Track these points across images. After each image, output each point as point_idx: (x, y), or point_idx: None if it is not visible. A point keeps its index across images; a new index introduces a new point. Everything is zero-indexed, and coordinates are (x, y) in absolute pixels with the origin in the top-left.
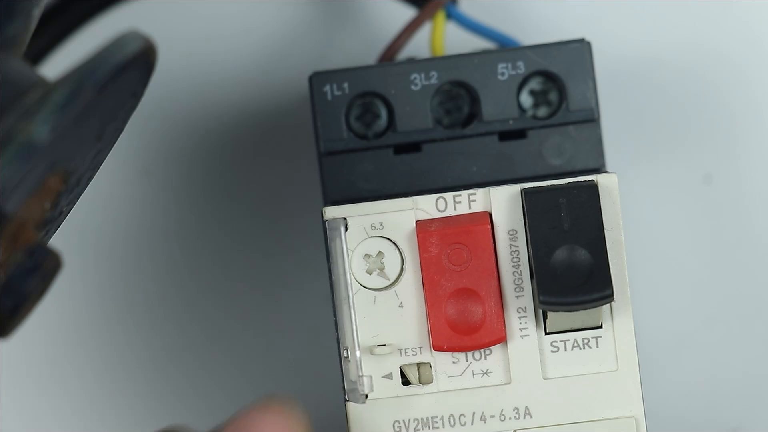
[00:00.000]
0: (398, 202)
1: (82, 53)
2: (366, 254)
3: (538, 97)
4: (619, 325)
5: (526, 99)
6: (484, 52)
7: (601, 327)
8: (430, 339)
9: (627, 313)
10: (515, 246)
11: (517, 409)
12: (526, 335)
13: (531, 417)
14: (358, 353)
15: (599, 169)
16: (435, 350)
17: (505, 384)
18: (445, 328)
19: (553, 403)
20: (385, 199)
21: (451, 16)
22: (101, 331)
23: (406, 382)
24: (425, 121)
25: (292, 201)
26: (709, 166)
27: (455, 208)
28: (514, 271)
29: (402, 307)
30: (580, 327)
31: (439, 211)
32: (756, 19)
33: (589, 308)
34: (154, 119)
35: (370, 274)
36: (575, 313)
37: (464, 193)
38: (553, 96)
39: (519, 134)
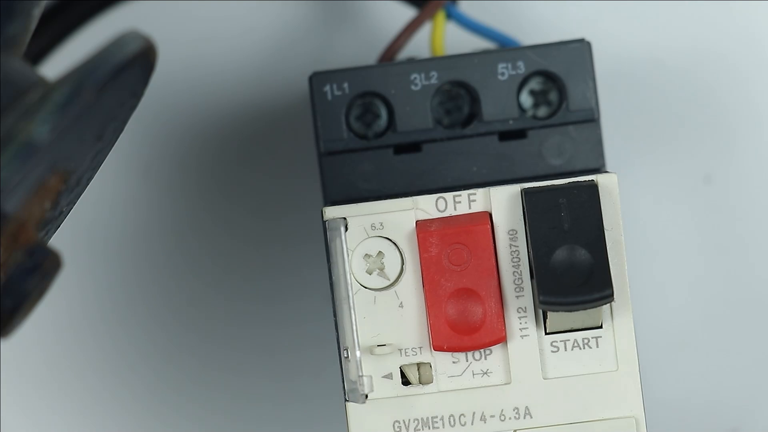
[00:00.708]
0: (398, 202)
1: (82, 53)
2: (366, 254)
3: (538, 97)
4: (619, 325)
5: (526, 99)
6: (484, 52)
7: (601, 327)
8: (430, 339)
9: (627, 313)
10: (515, 246)
11: (517, 409)
12: (526, 335)
13: (531, 417)
14: (358, 353)
15: (599, 169)
16: (435, 350)
17: (505, 384)
18: (445, 328)
19: (553, 403)
20: (385, 199)
21: (451, 16)
22: (101, 331)
23: (406, 382)
24: (425, 121)
25: (292, 201)
26: (709, 166)
27: (455, 208)
28: (514, 271)
29: (402, 307)
30: (580, 327)
31: (439, 211)
32: (756, 19)
33: (589, 308)
34: (154, 119)
35: (370, 274)
36: (575, 313)
37: (464, 193)
38: (553, 96)
39: (519, 134)
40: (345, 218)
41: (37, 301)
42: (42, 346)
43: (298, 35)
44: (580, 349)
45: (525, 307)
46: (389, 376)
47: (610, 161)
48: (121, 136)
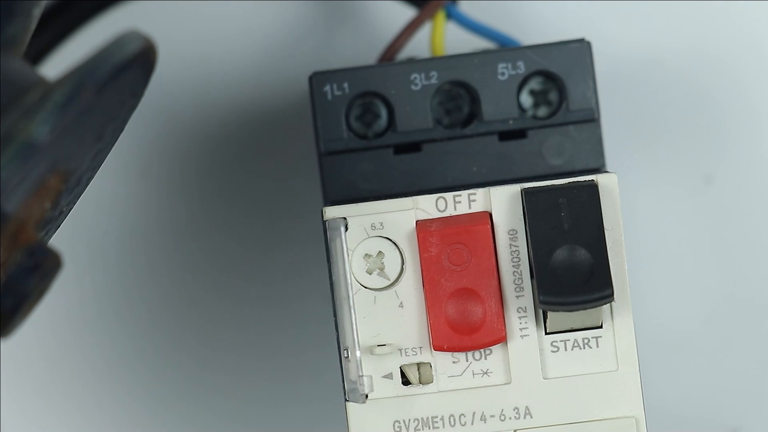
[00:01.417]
0: (398, 202)
1: (82, 53)
2: (366, 254)
3: (538, 97)
4: (619, 325)
5: (526, 99)
6: (484, 52)
7: (601, 327)
8: (430, 339)
9: (627, 313)
10: (515, 246)
11: (517, 409)
12: (526, 335)
13: (531, 417)
14: (358, 353)
15: (599, 169)
16: (435, 350)
17: (505, 384)
18: (445, 328)
19: (553, 403)
20: (385, 199)
21: (451, 16)
22: (101, 330)
23: (406, 382)
24: (425, 121)
25: (292, 201)
26: (709, 166)
27: (455, 208)
28: (514, 271)
29: (402, 307)
30: (580, 327)
31: (439, 211)
32: (755, 20)
33: (589, 308)
34: (154, 119)
35: (370, 274)
36: (575, 313)
37: (464, 193)
38: (553, 96)
39: (519, 134)
40: (345, 218)
41: (37, 301)
42: (42, 346)
43: (298, 35)
44: (580, 349)
45: (525, 307)
46: (389, 376)
47: (610, 161)
48: (121, 136)
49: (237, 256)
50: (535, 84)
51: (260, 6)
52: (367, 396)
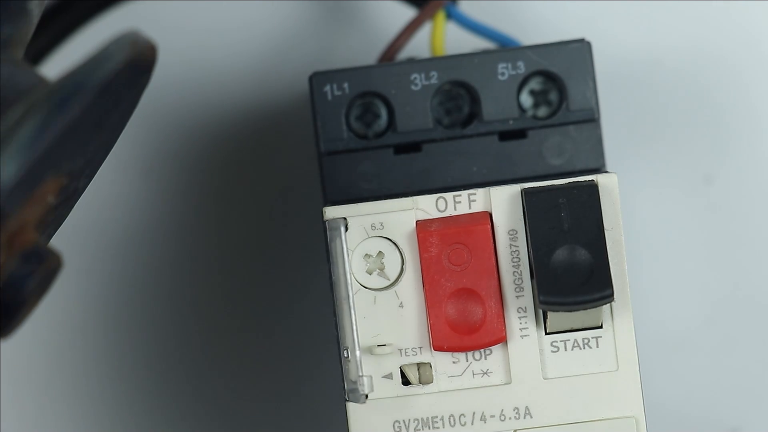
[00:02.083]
0: (398, 202)
1: (82, 53)
2: (366, 254)
3: (538, 97)
4: (619, 325)
5: (526, 99)
6: (484, 52)
7: (601, 327)
8: (430, 339)
9: (627, 313)
10: (515, 246)
11: (517, 409)
12: (526, 335)
13: (531, 417)
14: (358, 353)
15: (599, 169)
16: (435, 350)
17: (505, 384)
18: (445, 328)
19: (553, 403)
20: (385, 199)
21: (451, 16)
22: (101, 331)
23: (406, 382)
24: (425, 121)
25: (292, 201)
26: (709, 166)
27: (455, 208)
28: (514, 271)
29: (402, 307)
30: (580, 327)
31: (439, 211)
32: (755, 20)
33: (589, 308)
34: (154, 119)
35: (370, 274)
36: (575, 313)
37: (464, 193)
38: (553, 96)
39: (519, 134)
40: (345, 218)
41: (37, 301)
42: (42, 346)
43: (298, 35)
44: (580, 349)
45: (525, 307)
46: (389, 376)
47: (610, 161)
48: (122, 136)
49: (237, 255)
50: (535, 84)
51: (260, 6)
52: (367, 396)
